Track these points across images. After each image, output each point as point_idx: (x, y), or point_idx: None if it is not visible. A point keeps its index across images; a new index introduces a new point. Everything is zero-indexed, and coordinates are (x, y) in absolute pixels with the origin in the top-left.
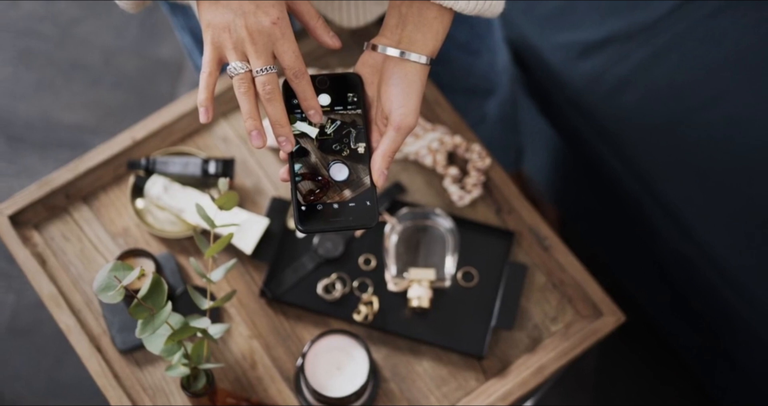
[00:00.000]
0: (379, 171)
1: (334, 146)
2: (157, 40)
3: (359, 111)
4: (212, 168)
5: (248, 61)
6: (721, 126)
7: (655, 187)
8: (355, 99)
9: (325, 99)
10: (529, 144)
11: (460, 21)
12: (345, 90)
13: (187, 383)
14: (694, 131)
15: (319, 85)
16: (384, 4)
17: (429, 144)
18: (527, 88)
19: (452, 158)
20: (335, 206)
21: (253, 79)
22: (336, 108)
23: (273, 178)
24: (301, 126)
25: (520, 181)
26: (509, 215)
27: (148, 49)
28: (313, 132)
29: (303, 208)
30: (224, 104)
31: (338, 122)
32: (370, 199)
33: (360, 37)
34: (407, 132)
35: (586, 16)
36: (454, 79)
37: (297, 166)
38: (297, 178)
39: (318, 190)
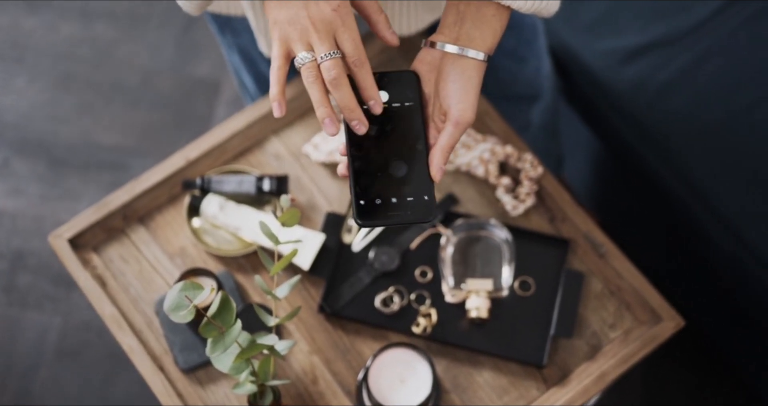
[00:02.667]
0: (437, 166)
1: (392, 143)
2: (193, 60)
3: (416, 108)
4: (266, 185)
5: (314, 51)
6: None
7: (703, 190)
8: (412, 96)
9: (383, 96)
10: (569, 151)
11: (507, 27)
12: (402, 87)
13: (254, 400)
14: (741, 134)
15: (377, 81)
16: (434, 13)
17: (480, 155)
18: (568, 95)
19: (504, 168)
20: (393, 200)
21: (319, 67)
22: (393, 105)
23: (326, 194)
24: None
25: None
26: (563, 223)
27: (185, 68)
28: (372, 129)
29: (362, 202)
30: (276, 122)
31: (396, 119)
32: (428, 194)
33: (406, 46)
34: (465, 127)
35: (628, 22)
36: (500, 86)
37: (356, 163)
38: (361, 176)
39: (378, 186)
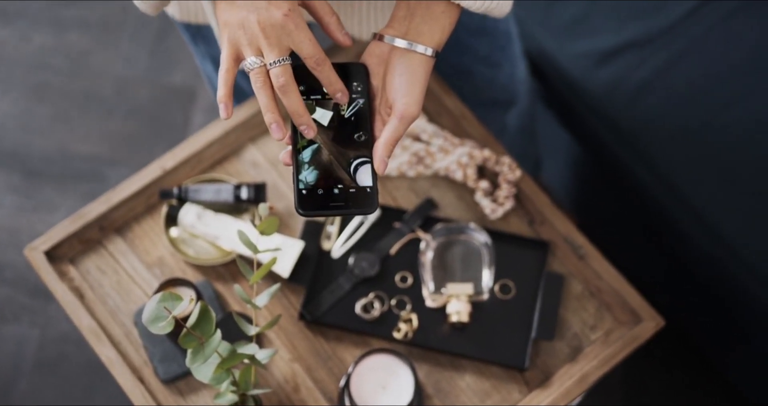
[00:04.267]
0: (380, 159)
1: (337, 133)
2: (168, 68)
3: (364, 100)
4: (244, 193)
5: (263, 56)
6: (744, 126)
7: (680, 190)
8: (360, 88)
9: None
10: (546, 153)
11: (480, 33)
12: (350, 79)
13: None
14: (717, 133)
15: None
16: None
17: (458, 159)
18: (545, 98)
19: (482, 172)
20: (336, 191)
21: (268, 73)
22: None
23: None
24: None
25: None
26: (542, 226)
27: (159, 77)
28: (325, 118)
29: (303, 191)
30: (252, 129)
31: (355, 108)
32: (371, 186)
33: None
34: (410, 121)
35: (603, 23)
36: (475, 91)
37: (300, 152)
38: (304, 165)
39: (321, 176)
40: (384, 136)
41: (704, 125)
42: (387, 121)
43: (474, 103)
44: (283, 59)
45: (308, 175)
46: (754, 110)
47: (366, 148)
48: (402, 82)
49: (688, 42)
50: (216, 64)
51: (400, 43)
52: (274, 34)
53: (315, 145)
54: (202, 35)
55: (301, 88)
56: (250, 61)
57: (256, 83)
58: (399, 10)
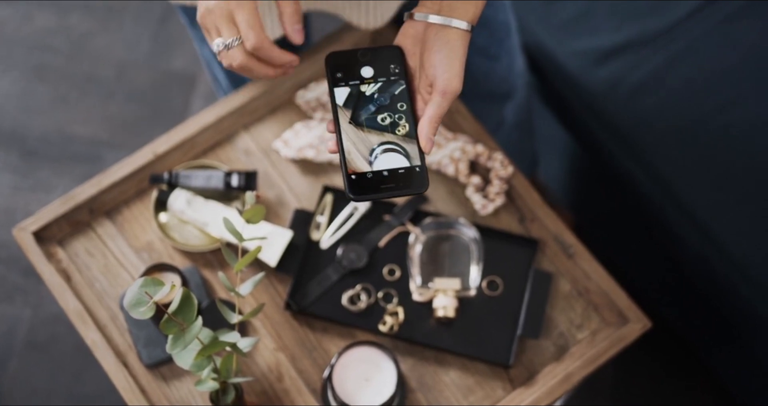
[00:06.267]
0: (426, 137)
1: (380, 117)
2: (169, 53)
3: (402, 82)
4: (235, 181)
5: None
6: (740, 128)
7: (675, 190)
8: (397, 70)
9: (368, 71)
10: (544, 150)
11: (479, 26)
12: (387, 62)
13: (216, 397)
14: (713, 134)
15: (361, 57)
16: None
17: (451, 153)
18: (543, 95)
19: (474, 167)
20: (385, 173)
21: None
22: (379, 80)
23: (295, 191)
24: (337, 92)
25: (535, 188)
26: (533, 223)
27: (160, 61)
28: (342, 95)
29: (353, 177)
30: (246, 116)
31: (383, 94)
32: (419, 165)
33: (380, 39)
34: (453, 97)
35: (603, 22)
36: (473, 84)
37: (346, 138)
38: (351, 151)
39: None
40: (428, 113)
41: (701, 126)
42: (428, 99)
43: (471, 96)
44: (234, 40)
45: (356, 161)
46: (750, 113)
47: (410, 129)
48: (441, 59)
49: (686, 43)
50: None
51: (435, 19)
52: (223, 15)
53: (359, 130)
54: None
55: (339, 74)
56: (215, 44)
57: (224, 64)
58: None
